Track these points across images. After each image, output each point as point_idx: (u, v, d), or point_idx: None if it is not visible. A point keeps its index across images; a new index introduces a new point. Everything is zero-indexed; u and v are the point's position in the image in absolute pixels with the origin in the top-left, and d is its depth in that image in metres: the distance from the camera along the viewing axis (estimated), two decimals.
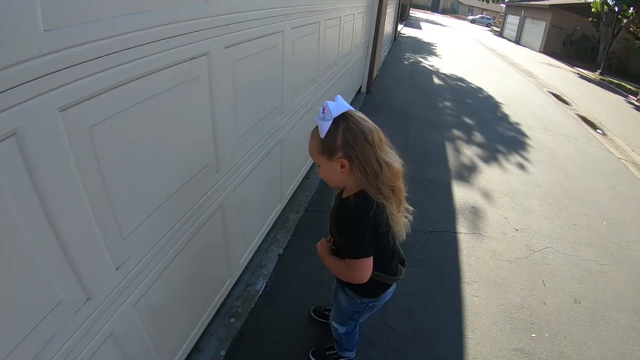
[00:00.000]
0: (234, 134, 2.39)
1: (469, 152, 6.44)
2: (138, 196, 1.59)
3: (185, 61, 1.74)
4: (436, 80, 11.64)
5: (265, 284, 3.09)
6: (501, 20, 43.74)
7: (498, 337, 3.00)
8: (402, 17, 28.46)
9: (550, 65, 20.88)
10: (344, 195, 1.71)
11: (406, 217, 1.77)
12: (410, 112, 8.11)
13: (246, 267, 3.15)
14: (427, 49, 18.88)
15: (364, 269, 1.68)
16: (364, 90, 8.76)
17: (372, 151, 1.54)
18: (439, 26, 37.10)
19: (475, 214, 4.59)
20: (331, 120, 1.54)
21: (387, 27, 13.86)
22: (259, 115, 2.77)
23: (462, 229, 4.25)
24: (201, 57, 1.87)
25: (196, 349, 2.47)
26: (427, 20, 42.46)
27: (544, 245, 4.19)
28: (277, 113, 3.12)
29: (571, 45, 25.93)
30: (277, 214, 3.68)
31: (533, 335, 3.08)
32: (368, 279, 1.71)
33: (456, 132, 7.34)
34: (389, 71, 11.78)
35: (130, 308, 1.66)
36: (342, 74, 5.78)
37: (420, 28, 30.57)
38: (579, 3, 25.40)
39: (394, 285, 2.03)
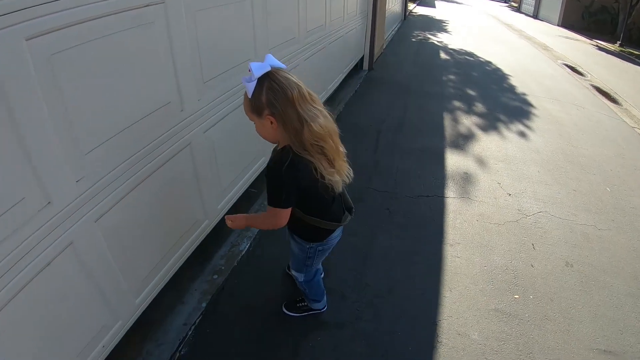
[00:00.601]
0: (199, 78, 2.55)
1: (468, 122, 6.29)
2: (98, 119, 1.80)
3: (141, 7, 1.96)
4: (443, 56, 11.39)
5: (249, 245, 3.25)
6: None
7: (477, 297, 2.93)
8: None
9: (567, 37, 20.25)
10: (278, 148, 1.83)
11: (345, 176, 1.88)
12: (411, 86, 7.95)
13: (233, 231, 3.32)
14: (438, 26, 18.51)
15: (279, 217, 1.84)
16: (365, 67, 8.61)
17: (292, 108, 1.64)
18: (455, 4, 36.32)
19: (467, 179, 4.48)
20: (255, 81, 1.64)
21: (395, 6, 13.65)
22: (228, 66, 2.88)
23: (451, 193, 4.16)
24: (157, 5, 2.07)
25: (180, 301, 2.72)
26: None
27: (537, 209, 4.07)
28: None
29: (590, 17, 25.11)
30: (259, 170, 3.69)
31: (516, 296, 2.99)
32: (284, 224, 1.89)
33: (456, 104, 7.17)
34: (395, 49, 11.57)
35: (91, 222, 1.83)
36: (333, 40, 5.75)
37: (434, 7, 30.02)
38: None
39: (340, 228, 2.19)
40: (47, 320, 1.68)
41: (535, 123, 6.60)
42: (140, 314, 2.34)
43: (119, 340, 2.19)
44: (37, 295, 1.60)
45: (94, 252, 1.89)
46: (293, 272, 2.46)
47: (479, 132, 5.90)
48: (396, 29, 14.81)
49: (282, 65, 1.72)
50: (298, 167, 1.69)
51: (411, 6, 23.51)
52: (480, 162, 4.95)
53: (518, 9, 37.65)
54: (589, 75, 11.23)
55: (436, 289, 2.97)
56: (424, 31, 15.76)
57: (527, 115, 6.98)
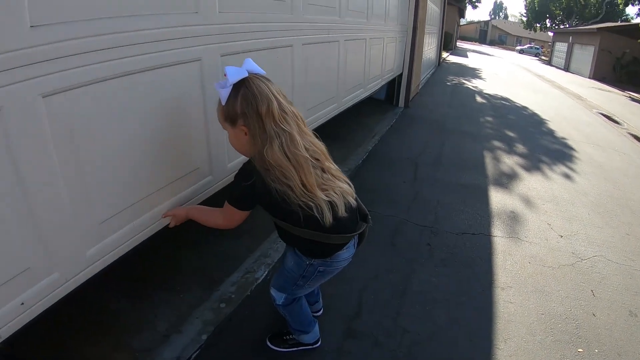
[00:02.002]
0: None
1: (509, 161, 5.84)
2: None
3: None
4: (478, 99, 11.07)
5: (266, 273, 2.76)
6: (549, 49, 42.44)
7: (536, 350, 2.44)
8: (448, 46, 27.95)
9: (600, 89, 19.77)
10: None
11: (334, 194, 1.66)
12: (448, 125, 7.60)
13: (249, 256, 2.89)
14: (471, 73, 18.31)
15: (233, 218, 1.70)
16: (401, 104, 8.32)
17: (260, 123, 1.51)
18: (486, 55, 36.37)
19: (514, 218, 4.02)
20: (230, 87, 1.51)
21: (430, 52, 13.53)
22: None
23: (498, 232, 3.70)
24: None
25: (176, 329, 2.21)
26: (474, 51, 41.67)
27: (593, 253, 3.58)
28: None
29: (621, 69, 24.59)
30: None
31: (580, 350, 2.50)
32: (233, 227, 1.75)
33: (496, 143, 6.75)
34: (430, 90, 11.32)
35: (36, 95, 1.30)
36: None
37: (466, 56, 30.01)
38: (628, 25, 24.20)
39: (351, 250, 1.84)
40: None
41: (578, 166, 6.13)
42: (90, 275, 1.67)
43: (49, 305, 1.52)
44: None
45: (30, 144, 1.32)
46: (272, 291, 2.04)
47: (522, 172, 5.44)
48: (430, 73, 14.66)
49: (261, 71, 1.60)
50: (255, 185, 1.55)
51: (444, 54, 23.46)
52: (527, 201, 4.48)
53: (549, 62, 37.44)
54: (625, 124, 10.76)
55: (487, 338, 2.49)
56: (458, 76, 15.55)
57: (569, 158, 6.51)
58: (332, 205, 1.61)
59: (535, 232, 3.80)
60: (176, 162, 2.03)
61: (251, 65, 1.57)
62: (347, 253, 1.82)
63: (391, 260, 3.05)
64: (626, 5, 34.68)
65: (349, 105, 4.88)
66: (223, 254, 2.84)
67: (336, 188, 1.66)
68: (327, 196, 1.60)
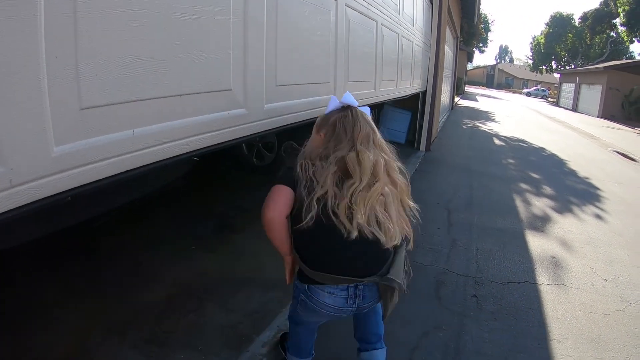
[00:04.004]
0: None
1: (540, 203, 5.64)
2: None
3: None
4: (496, 142, 10.94)
5: None
6: (556, 91, 42.33)
7: None
8: (458, 90, 28.07)
9: (611, 127, 19.50)
10: None
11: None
12: (472, 168, 7.46)
13: (281, 311, 2.60)
14: (484, 116, 18.25)
15: (271, 192, 1.55)
16: (423, 148, 8.22)
17: (349, 141, 1.58)
18: (495, 99, 36.39)
19: (556, 264, 3.81)
20: (339, 104, 1.71)
21: (444, 97, 13.55)
22: None
23: (543, 279, 3.49)
24: None
25: None
26: (482, 95, 41.77)
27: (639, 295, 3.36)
28: None
29: (630, 106, 24.25)
30: None
31: None
32: (271, 211, 1.52)
33: (523, 185, 6.57)
34: (448, 133, 11.24)
35: None
36: None
37: (476, 100, 30.05)
38: (635, 62, 24.04)
39: (337, 300, 1.58)
40: None
41: (607, 205, 5.92)
42: (53, 192, 1.17)
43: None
44: None
45: None
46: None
47: (554, 214, 5.24)
48: (445, 117, 14.62)
49: (367, 110, 1.73)
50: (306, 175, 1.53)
51: (456, 98, 23.53)
52: (565, 245, 4.27)
53: (556, 103, 37.27)
54: None
55: None
56: (472, 120, 15.51)
57: (596, 197, 6.30)
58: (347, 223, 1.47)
59: (580, 278, 3.58)
60: (206, 71, 1.70)
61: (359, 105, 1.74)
62: (329, 299, 1.57)
63: (439, 315, 2.84)
64: (631, 42, 34.65)
65: (382, 99, 4.86)
66: (252, 309, 2.63)
67: (370, 215, 1.49)
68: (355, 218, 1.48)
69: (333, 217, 1.46)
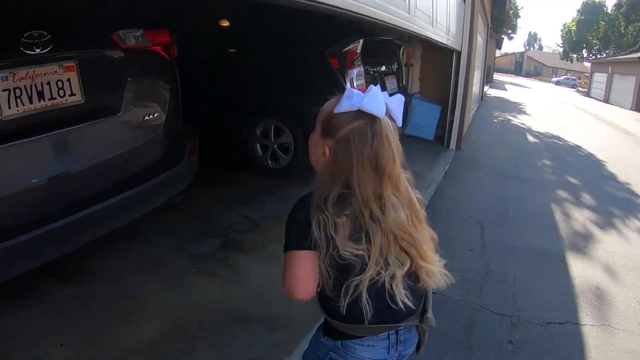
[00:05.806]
0: None
1: (580, 217, 5.11)
2: None
3: None
4: (530, 138, 10.32)
5: None
6: (587, 80, 40.58)
7: None
8: (487, 79, 27.09)
9: None
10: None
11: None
12: (505, 171, 6.93)
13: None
14: (515, 108, 17.46)
15: (290, 265, 1.12)
16: (453, 147, 7.70)
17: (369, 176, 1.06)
18: (524, 88, 35.08)
19: (600, 297, 3.34)
20: (354, 108, 1.06)
21: (475, 87, 12.91)
22: None
23: (587, 319, 3.02)
24: None
25: None
26: (511, 83, 40.27)
27: None
28: None
29: None
30: None
31: None
32: (292, 285, 1.12)
33: (561, 193, 6.02)
34: (478, 128, 10.66)
35: None
36: None
37: (505, 89, 28.98)
38: None
39: (378, 353, 1.19)
40: None
41: None
42: None
43: None
44: None
45: None
46: None
47: (596, 231, 4.72)
48: (475, 108, 13.99)
49: (399, 118, 1.11)
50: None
51: (485, 88, 22.70)
52: (610, 271, 3.77)
53: (587, 94, 35.68)
54: None
55: None
56: (503, 112, 14.83)
57: (639, 208, 5.73)
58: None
59: (626, 316, 3.11)
60: None
61: (392, 102, 1.10)
62: (369, 353, 1.20)
63: None
64: None
65: (417, 30, 4.38)
66: (253, 355, 2.28)
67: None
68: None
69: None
